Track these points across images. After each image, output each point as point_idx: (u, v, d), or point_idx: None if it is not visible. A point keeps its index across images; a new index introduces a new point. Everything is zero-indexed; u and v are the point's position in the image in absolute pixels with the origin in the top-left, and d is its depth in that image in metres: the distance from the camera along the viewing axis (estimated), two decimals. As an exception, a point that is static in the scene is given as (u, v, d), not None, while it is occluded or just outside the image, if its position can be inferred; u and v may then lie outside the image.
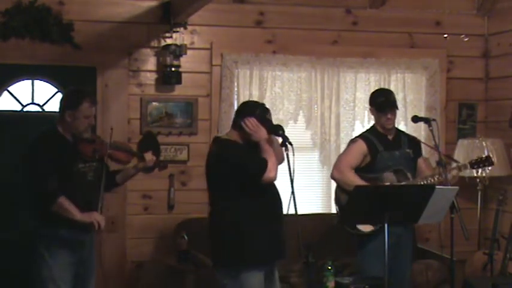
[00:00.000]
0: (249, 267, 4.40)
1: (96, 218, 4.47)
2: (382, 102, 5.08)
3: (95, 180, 4.60)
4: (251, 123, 4.43)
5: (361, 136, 5.17)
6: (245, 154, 4.46)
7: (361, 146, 5.06)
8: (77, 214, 4.42)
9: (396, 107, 5.13)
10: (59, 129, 4.54)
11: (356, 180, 4.89)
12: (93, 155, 4.58)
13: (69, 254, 4.50)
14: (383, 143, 5.07)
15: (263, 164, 4.35)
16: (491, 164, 5.16)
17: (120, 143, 4.88)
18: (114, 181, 4.80)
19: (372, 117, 5.30)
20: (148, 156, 4.79)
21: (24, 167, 4.54)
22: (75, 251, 4.53)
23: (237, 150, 4.50)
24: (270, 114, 4.60)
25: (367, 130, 5.26)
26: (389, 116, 5.06)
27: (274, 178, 4.40)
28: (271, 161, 4.36)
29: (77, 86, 5.11)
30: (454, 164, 5.11)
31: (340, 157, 5.22)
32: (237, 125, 4.52)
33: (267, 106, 4.70)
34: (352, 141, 5.21)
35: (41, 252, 4.46)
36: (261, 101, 5.79)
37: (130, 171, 4.84)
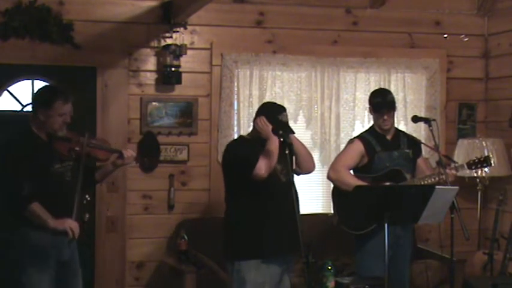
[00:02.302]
0: (247, 259, 4.52)
1: (70, 225, 4.29)
2: (379, 102, 5.07)
3: (73, 181, 4.43)
4: (259, 121, 4.59)
5: (359, 137, 5.17)
6: (240, 150, 4.59)
7: (358, 147, 5.06)
8: (49, 221, 4.27)
9: (393, 108, 5.11)
10: (34, 129, 4.41)
11: (353, 181, 4.88)
12: (70, 154, 4.43)
13: (47, 258, 4.36)
14: (381, 143, 5.07)
15: (253, 161, 4.41)
16: (489, 164, 5.15)
17: (97, 140, 4.73)
18: (93, 178, 4.65)
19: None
20: (127, 152, 4.64)
21: None
22: (53, 254, 4.39)
23: (234, 147, 4.68)
24: (285, 115, 4.66)
25: (366, 130, 5.26)
26: (385, 117, 5.05)
27: (263, 176, 4.45)
28: (263, 159, 4.44)
29: (49, 84, 5.08)
30: (452, 165, 5.11)
31: (337, 158, 5.22)
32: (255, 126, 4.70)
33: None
34: (350, 141, 5.22)
35: (17, 257, 4.31)
36: (261, 101, 5.85)
37: (109, 168, 4.68)
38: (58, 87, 4.61)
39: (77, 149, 4.44)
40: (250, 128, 4.87)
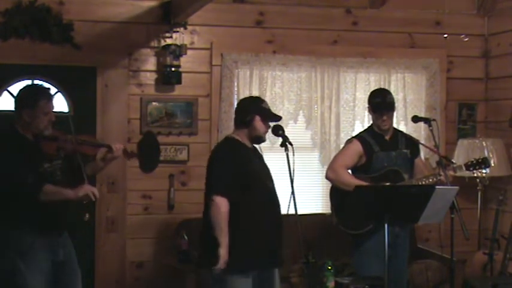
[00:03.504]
0: (231, 272, 4.40)
1: (90, 189, 4.26)
2: (378, 103, 5.06)
3: (63, 179, 4.39)
4: (257, 122, 4.53)
5: (357, 136, 5.16)
6: (221, 168, 4.47)
7: (357, 147, 5.05)
8: (68, 192, 4.24)
9: (393, 109, 5.10)
10: (19, 130, 4.36)
11: (352, 180, 4.88)
12: (58, 153, 4.38)
13: (42, 259, 4.31)
14: (379, 143, 5.06)
15: (224, 187, 4.39)
16: (487, 166, 5.13)
17: (84, 136, 4.62)
18: (82, 175, 4.50)
19: (372, 117, 5.29)
20: (116, 146, 4.56)
21: None
22: (48, 255, 4.34)
23: (220, 160, 4.52)
24: (266, 103, 4.66)
25: (364, 130, 5.25)
26: (384, 117, 5.04)
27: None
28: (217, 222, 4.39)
29: (31, 84, 5.02)
30: (450, 165, 5.10)
31: (335, 157, 5.21)
32: (243, 122, 4.56)
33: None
34: (348, 141, 5.21)
35: (11, 259, 4.26)
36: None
37: (99, 164, 4.60)
38: (40, 86, 4.55)
39: (65, 147, 4.38)
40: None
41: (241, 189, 4.42)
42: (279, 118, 4.64)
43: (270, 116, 4.58)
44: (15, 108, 4.45)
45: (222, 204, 4.39)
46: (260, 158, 4.65)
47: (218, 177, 4.47)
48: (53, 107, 4.40)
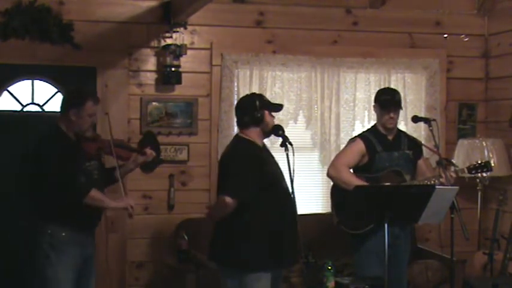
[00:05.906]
0: (253, 271, 4.39)
1: (129, 202, 4.52)
2: (387, 100, 5.05)
3: (99, 179, 4.59)
4: (268, 116, 4.55)
5: (361, 136, 5.15)
6: (238, 170, 4.41)
7: (360, 146, 5.04)
8: (110, 202, 4.50)
9: (400, 107, 5.10)
10: (63, 128, 4.52)
11: (352, 179, 4.87)
12: (98, 154, 4.60)
13: (74, 254, 4.47)
14: (382, 143, 5.05)
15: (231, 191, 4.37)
16: (489, 169, 5.12)
17: (119, 140, 4.90)
18: (113, 177, 4.73)
19: (372, 117, 5.28)
20: (149, 150, 4.78)
21: (36, 167, 4.41)
22: (79, 251, 4.50)
23: (238, 161, 4.46)
24: (264, 96, 4.72)
25: (368, 130, 5.24)
26: (392, 115, 5.03)
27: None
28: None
29: (79, 85, 5.14)
30: (452, 168, 5.10)
31: (338, 155, 5.20)
32: (254, 120, 4.51)
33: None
34: (351, 140, 5.20)
35: (46, 252, 4.41)
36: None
37: (130, 166, 4.80)
38: (88, 89, 4.70)
39: (104, 148, 4.61)
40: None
41: (260, 189, 4.40)
42: (281, 106, 4.72)
43: (274, 108, 4.61)
44: (61, 107, 4.57)
45: (230, 206, 4.37)
46: (272, 157, 4.62)
47: (235, 179, 4.41)
48: (97, 110, 4.60)
